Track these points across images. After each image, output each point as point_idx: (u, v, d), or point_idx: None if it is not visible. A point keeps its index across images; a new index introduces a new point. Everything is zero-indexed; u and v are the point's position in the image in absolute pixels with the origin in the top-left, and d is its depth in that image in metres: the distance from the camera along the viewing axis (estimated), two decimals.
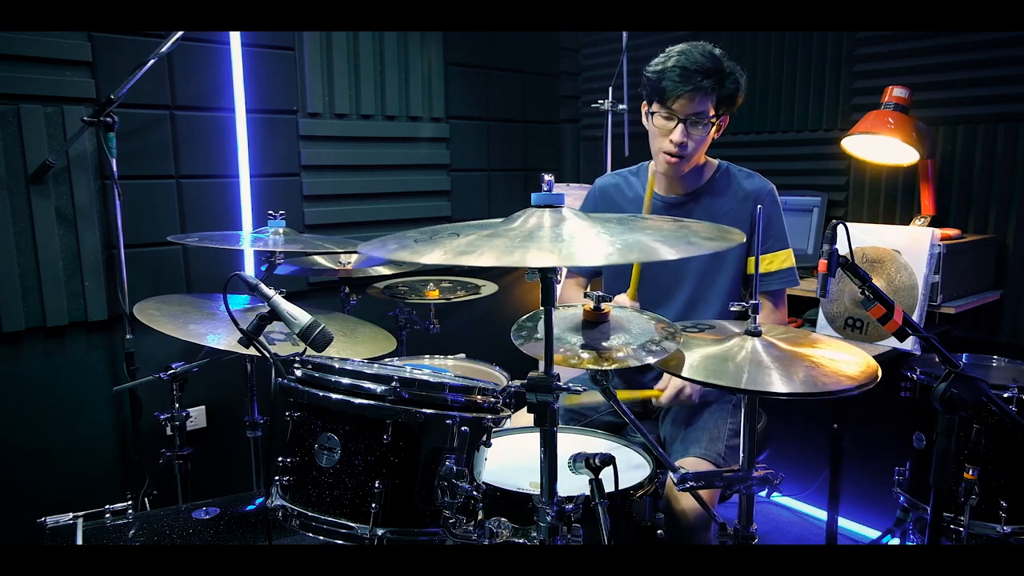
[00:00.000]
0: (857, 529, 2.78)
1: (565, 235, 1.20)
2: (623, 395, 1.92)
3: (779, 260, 1.96)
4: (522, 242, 1.17)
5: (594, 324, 1.49)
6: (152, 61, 2.23)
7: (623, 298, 1.93)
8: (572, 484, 1.38)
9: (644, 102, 1.93)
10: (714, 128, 1.88)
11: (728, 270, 1.97)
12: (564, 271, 2.25)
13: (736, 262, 1.97)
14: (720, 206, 1.97)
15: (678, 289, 2.02)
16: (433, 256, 1.16)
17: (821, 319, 2.23)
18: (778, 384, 1.33)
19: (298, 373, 1.40)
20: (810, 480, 2.88)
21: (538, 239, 1.18)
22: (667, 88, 1.84)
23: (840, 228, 1.41)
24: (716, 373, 1.39)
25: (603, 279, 2.20)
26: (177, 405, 2.03)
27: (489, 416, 1.38)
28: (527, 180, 3.55)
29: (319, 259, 2.60)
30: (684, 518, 1.69)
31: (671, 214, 2.01)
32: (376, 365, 1.50)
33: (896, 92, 2.32)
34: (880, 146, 2.41)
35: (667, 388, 1.87)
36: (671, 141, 1.87)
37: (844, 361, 1.43)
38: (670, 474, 1.44)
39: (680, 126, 1.85)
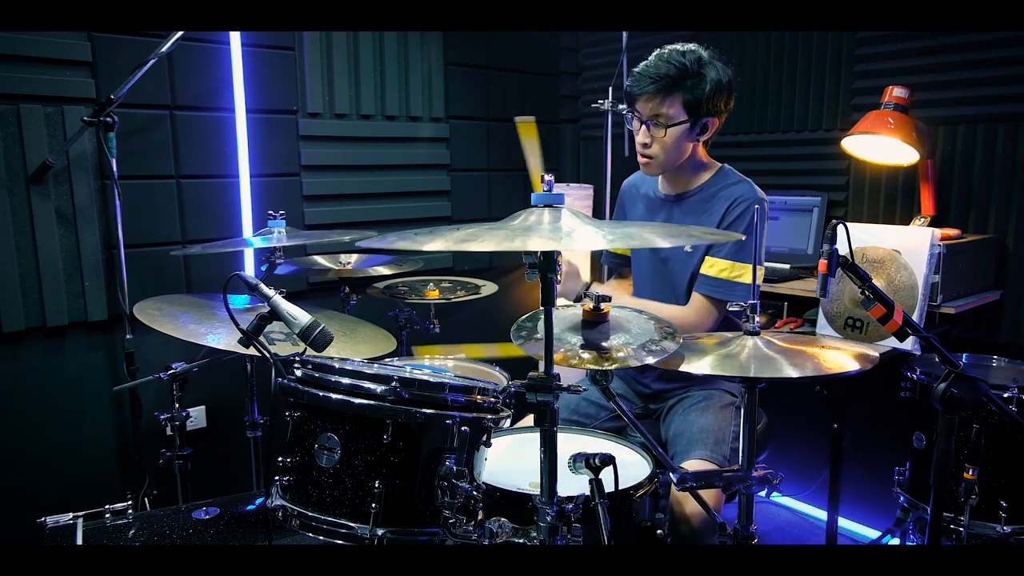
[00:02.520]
0: (857, 529, 2.78)
1: (564, 228, 1.23)
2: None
3: (732, 270, 1.87)
4: (523, 232, 1.21)
5: (594, 324, 1.50)
6: (152, 61, 2.23)
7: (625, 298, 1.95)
8: (572, 484, 1.38)
9: None
10: (689, 130, 1.88)
11: (679, 270, 1.98)
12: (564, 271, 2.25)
13: (683, 263, 1.97)
14: (704, 207, 1.97)
15: (641, 288, 2.11)
16: (435, 245, 1.19)
17: (821, 319, 2.22)
18: (788, 371, 1.36)
19: (298, 373, 1.40)
20: (810, 480, 2.88)
21: (538, 229, 1.23)
22: (629, 90, 1.91)
23: (840, 228, 1.41)
24: (724, 368, 1.41)
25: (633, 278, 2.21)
26: (177, 405, 2.03)
27: (489, 416, 1.38)
28: (527, 180, 3.52)
29: (319, 259, 2.60)
30: (689, 522, 1.68)
31: (661, 209, 2.07)
32: (376, 365, 1.50)
33: (896, 92, 2.32)
34: (880, 146, 2.41)
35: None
36: (637, 141, 1.93)
37: (842, 350, 1.48)
38: (671, 476, 1.45)
39: (643, 127, 1.90)
